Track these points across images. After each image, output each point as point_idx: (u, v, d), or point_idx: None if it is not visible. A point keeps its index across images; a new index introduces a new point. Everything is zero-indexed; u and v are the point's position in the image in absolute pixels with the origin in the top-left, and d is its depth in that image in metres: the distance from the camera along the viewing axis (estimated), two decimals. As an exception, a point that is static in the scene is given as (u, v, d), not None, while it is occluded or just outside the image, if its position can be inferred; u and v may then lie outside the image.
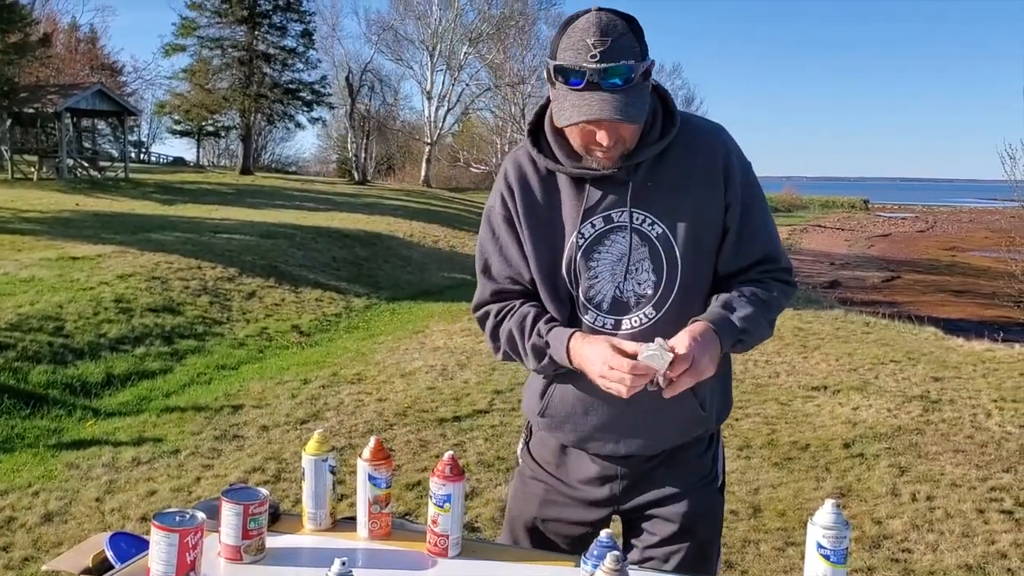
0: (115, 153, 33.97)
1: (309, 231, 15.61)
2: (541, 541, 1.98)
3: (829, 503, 1.58)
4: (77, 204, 17.87)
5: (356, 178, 38.84)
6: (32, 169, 25.68)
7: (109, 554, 2.22)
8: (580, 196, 1.77)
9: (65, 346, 7.36)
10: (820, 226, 51.97)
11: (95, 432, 5.70)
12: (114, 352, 7.58)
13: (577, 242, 1.78)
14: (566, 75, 1.60)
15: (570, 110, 1.62)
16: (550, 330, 1.80)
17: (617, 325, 1.80)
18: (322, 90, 41.31)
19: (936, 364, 8.08)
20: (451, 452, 1.87)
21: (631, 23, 1.59)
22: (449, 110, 45.19)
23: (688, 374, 1.62)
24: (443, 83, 44.17)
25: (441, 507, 1.82)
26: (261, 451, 5.24)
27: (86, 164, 27.40)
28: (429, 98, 43.71)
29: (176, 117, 45.18)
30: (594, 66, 1.56)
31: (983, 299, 22.33)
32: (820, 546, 1.56)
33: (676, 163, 1.74)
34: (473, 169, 52.59)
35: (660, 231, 1.74)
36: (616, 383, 1.63)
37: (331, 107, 44.07)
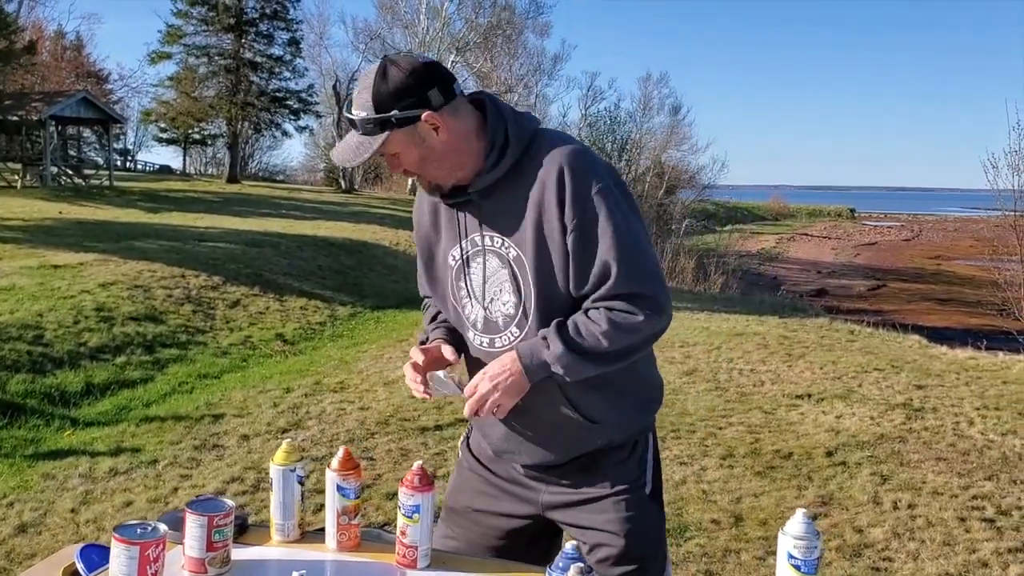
0: (100, 161, 33.81)
1: (295, 240, 15.55)
2: (473, 530, 2.04)
3: (800, 513, 1.56)
4: (60, 212, 17.76)
5: (343, 187, 38.80)
6: (16, 177, 25.56)
7: (80, 566, 2.18)
8: (452, 221, 1.90)
9: (44, 355, 7.29)
10: (807, 235, 52.23)
11: (72, 442, 5.64)
12: (94, 361, 7.51)
13: (451, 264, 1.93)
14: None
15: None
16: (433, 330, 2.03)
17: (491, 344, 1.90)
18: (309, 99, 41.26)
19: (919, 372, 8.09)
20: (420, 462, 1.84)
21: (387, 77, 1.72)
22: (436, 119, 45.14)
23: (478, 407, 1.78)
24: (430, 92, 44.14)
25: (410, 518, 1.79)
26: (241, 461, 5.20)
27: (70, 172, 27.29)
28: (416, 107, 43.67)
29: (162, 125, 45.02)
30: (345, 114, 1.80)
31: (968, 307, 22.45)
32: (791, 556, 1.54)
33: (522, 187, 1.79)
34: (460, 178, 52.62)
35: (515, 254, 1.81)
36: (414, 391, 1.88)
37: (318, 116, 43.99)
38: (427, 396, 1.87)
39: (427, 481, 1.80)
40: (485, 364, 1.85)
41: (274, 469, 1.93)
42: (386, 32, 42.94)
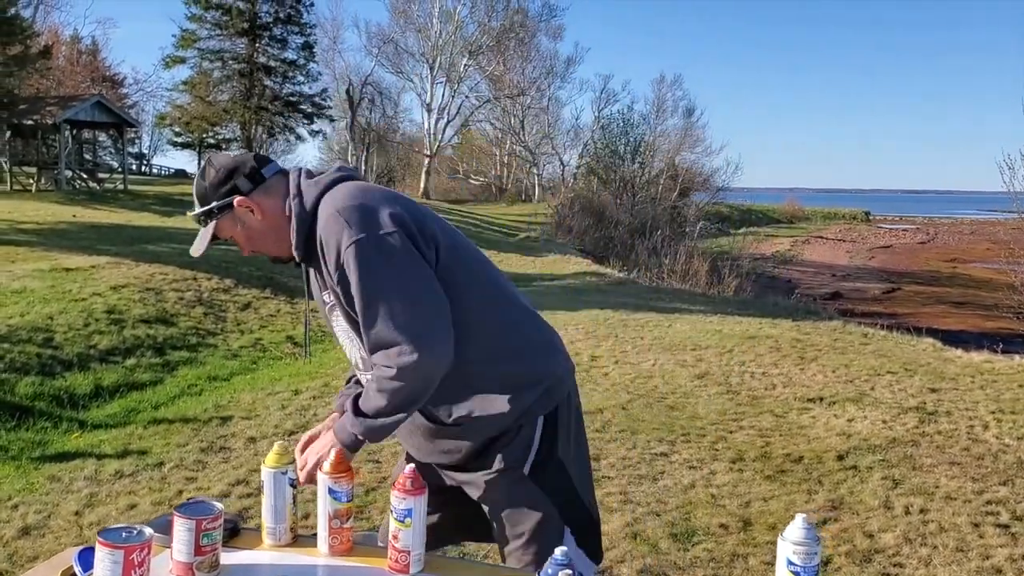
0: (115, 165, 33.99)
1: (306, 242, 15.55)
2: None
3: (800, 518, 1.51)
4: (74, 215, 17.85)
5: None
6: (31, 181, 25.71)
7: (77, 569, 2.17)
8: (312, 284, 2.13)
9: (54, 357, 7.31)
10: (822, 237, 51.96)
11: (80, 444, 5.64)
12: (104, 363, 7.52)
13: (326, 315, 2.13)
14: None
15: None
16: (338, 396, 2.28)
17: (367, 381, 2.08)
18: (323, 102, 41.41)
19: (933, 376, 8.00)
20: (412, 465, 1.80)
21: (204, 174, 2.04)
22: (449, 122, 45.36)
23: (307, 480, 2.00)
24: (443, 95, 44.34)
25: (402, 522, 1.76)
26: (247, 463, 5.17)
27: (85, 176, 27.44)
28: (429, 110, 43.83)
29: (177, 129, 45.22)
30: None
31: (984, 311, 22.25)
32: (790, 563, 1.50)
33: (321, 253, 1.97)
34: (472, 181, 52.68)
35: (340, 307, 2.01)
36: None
37: (332, 120, 44.17)
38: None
39: (419, 484, 1.77)
40: None
41: (265, 472, 1.90)
42: (399, 36, 43.10)
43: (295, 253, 2.01)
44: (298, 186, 2.01)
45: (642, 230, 31.38)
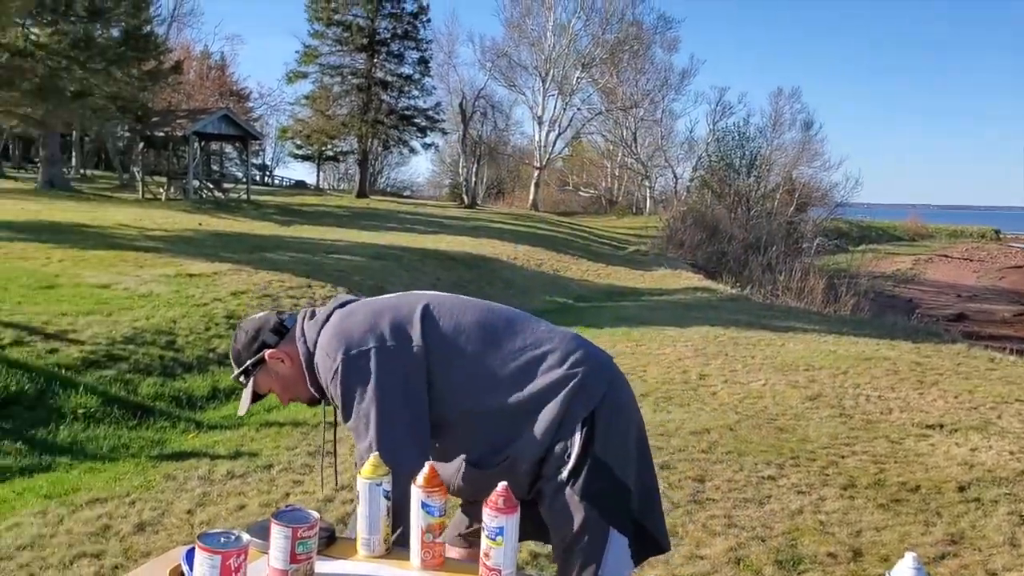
0: (240, 175, 35.37)
1: (417, 253, 15.84)
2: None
3: (910, 557, 1.43)
4: (200, 224, 18.62)
5: (466, 202, 39.34)
6: (161, 190, 27.01)
7: (184, 567, 2.23)
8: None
9: (175, 359, 7.62)
10: (946, 256, 49.80)
11: (195, 444, 5.86)
12: (221, 367, 7.80)
13: None
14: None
15: None
16: None
17: None
18: (436, 116, 42.13)
19: (1067, 405, 7.53)
20: (504, 483, 1.79)
21: (236, 339, 2.25)
22: (560, 134, 45.40)
23: None
24: (554, 108, 44.45)
25: (494, 540, 1.74)
26: (351, 469, 5.25)
27: (211, 185, 28.64)
28: (540, 123, 44.01)
29: (298, 142, 46.80)
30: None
31: (1126, 337, 20.87)
32: (898, 604, 1.41)
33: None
34: (582, 193, 52.60)
35: None
36: None
37: (444, 133, 44.90)
38: None
39: (512, 503, 1.75)
40: None
41: (360, 482, 1.91)
42: (513, 50, 43.47)
43: (313, 392, 2.20)
44: (302, 329, 2.19)
45: (756, 245, 30.73)
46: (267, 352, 2.19)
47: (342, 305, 2.22)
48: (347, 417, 2.11)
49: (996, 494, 5.12)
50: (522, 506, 2.16)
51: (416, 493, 1.84)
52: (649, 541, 2.13)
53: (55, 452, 5.59)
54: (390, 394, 2.06)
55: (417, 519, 1.84)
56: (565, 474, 2.06)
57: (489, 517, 1.73)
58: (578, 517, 2.04)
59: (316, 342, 2.15)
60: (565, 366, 2.11)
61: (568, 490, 2.05)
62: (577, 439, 2.07)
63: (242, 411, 2.30)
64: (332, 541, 1.98)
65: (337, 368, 2.07)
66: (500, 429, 2.09)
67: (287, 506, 2.01)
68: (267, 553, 1.77)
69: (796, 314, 15.69)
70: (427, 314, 2.14)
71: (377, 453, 1.94)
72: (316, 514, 1.80)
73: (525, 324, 2.21)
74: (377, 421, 2.06)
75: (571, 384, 2.09)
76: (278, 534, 1.74)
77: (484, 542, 1.75)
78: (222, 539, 1.63)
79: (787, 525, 4.53)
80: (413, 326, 2.11)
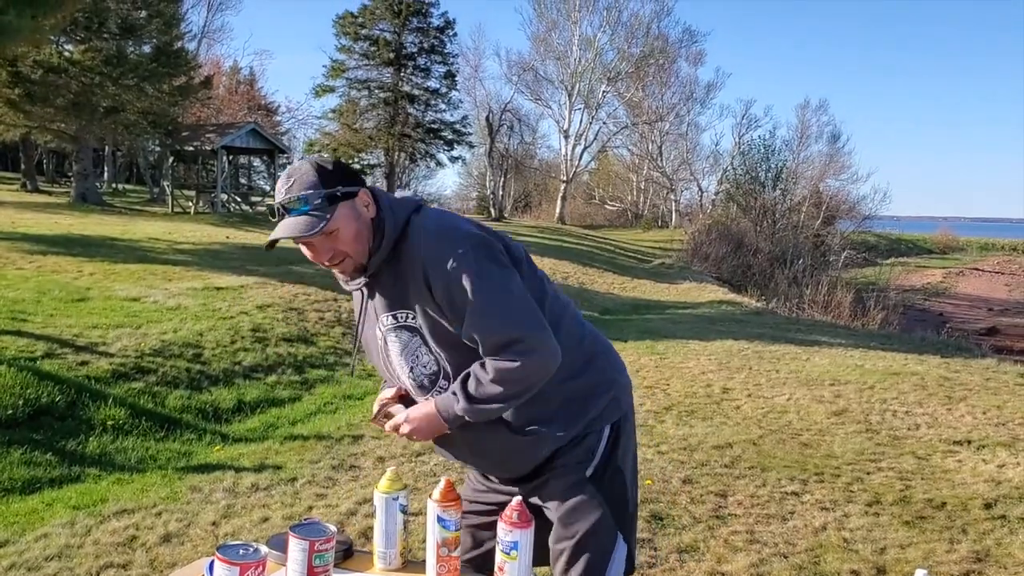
0: (267, 188, 35.68)
1: (442, 266, 15.89)
2: (475, 521, 2.30)
3: (920, 573, 1.43)
4: (228, 237, 18.81)
5: (493, 215, 39.45)
6: (190, 203, 27.33)
7: (206, 579, 2.28)
8: (365, 305, 2.18)
9: (202, 372, 7.71)
10: (978, 269, 49.20)
11: (221, 457, 5.91)
12: (247, 380, 7.87)
13: (377, 343, 2.18)
14: (275, 212, 2.04)
15: (274, 231, 2.04)
16: None
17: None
18: (463, 129, 42.33)
19: (1098, 421, 7.42)
20: (519, 498, 1.81)
21: (322, 165, 2.01)
22: (586, 148, 45.48)
23: (392, 430, 2.16)
24: (580, 121, 44.52)
25: (508, 554, 1.77)
26: (374, 483, 5.29)
27: (239, 199, 28.91)
28: (566, 136, 44.08)
29: (325, 155, 47.08)
30: (279, 200, 2.01)
31: None
32: (908, 623, 1.41)
33: (402, 269, 2.04)
34: (608, 206, 52.57)
35: (420, 322, 2.05)
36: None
37: (471, 146, 45.06)
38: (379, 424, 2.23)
39: (526, 517, 1.78)
40: None
41: (377, 496, 1.94)
42: (539, 64, 43.60)
43: (371, 264, 2.04)
44: (389, 200, 2.07)
45: (782, 259, 30.56)
46: (363, 189, 2.04)
47: (424, 202, 2.15)
48: (479, 297, 1.95)
49: (1023, 511, 5.06)
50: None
51: (432, 508, 1.87)
52: (631, 557, 2.21)
53: (84, 463, 5.67)
54: (523, 287, 2.04)
55: (433, 533, 1.87)
56: (589, 471, 2.12)
57: (504, 531, 1.76)
58: (594, 516, 2.09)
59: (407, 222, 2.04)
60: (609, 371, 2.21)
61: (590, 487, 2.11)
62: (604, 441, 2.15)
63: (308, 232, 1.96)
64: (349, 555, 2.01)
65: (467, 252, 1.96)
66: (543, 405, 2.09)
67: (305, 519, 2.04)
68: (285, 566, 1.81)
69: (822, 328, 15.57)
70: (530, 257, 2.19)
71: (525, 333, 1.95)
72: (333, 527, 1.83)
73: (581, 319, 2.28)
74: (523, 303, 2.00)
75: (612, 390, 2.19)
76: (296, 547, 1.77)
77: (499, 556, 1.77)
78: (241, 551, 1.67)
79: (810, 542, 4.50)
80: (523, 255, 2.14)
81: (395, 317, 2.07)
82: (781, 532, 4.64)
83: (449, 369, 2.06)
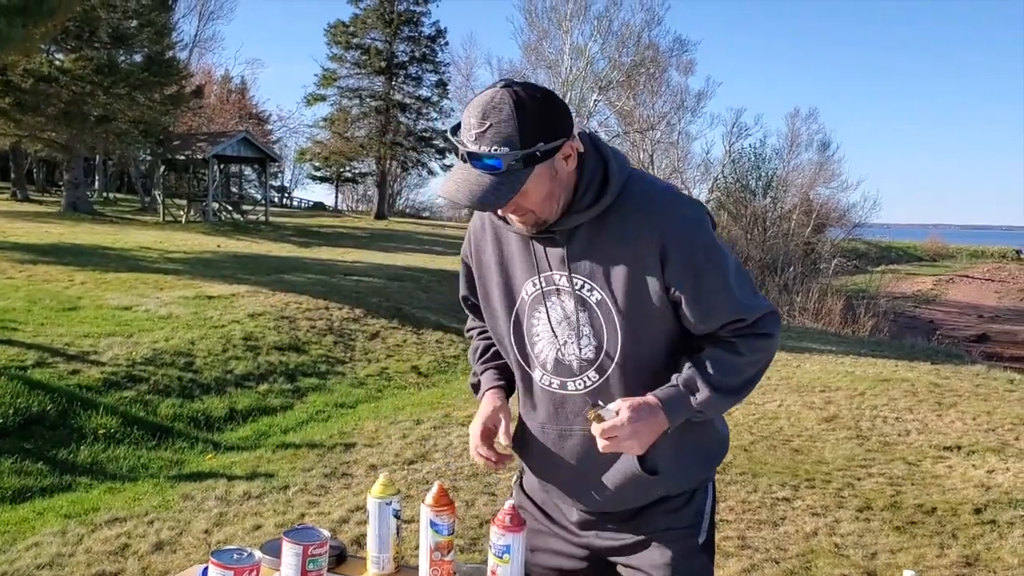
0: (258, 197, 35.67)
1: (435, 274, 15.91)
2: (531, 569, 1.96)
3: (908, 574, 1.45)
4: (219, 246, 18.79)
5: (485, 223, 39.44)
6: (181, 212, 27.28)
7: (199, 586, 2.29)
8: (526, 254, 1.80)
9: (193, 381, 7.70)
10: (967, 276, 49.42)
11: (213, 465, 5.91)
12: (239, 388, 7.87)
13: (522, 298, 1.83)
14: (454, 147, 1.66)
15: (445, 182, 1.68)
16: (484, 371, 2.00)
17: (563, 386, 1.83)
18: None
19: (1087, 427, 7.47)
20: (511, 501, 1.82)
21: (525, 106, 1.56)
22: (578, 157, 45.44)
23: (611, 446, 1.66)
24: (572, 130, 44.51)
25: (500, 558, 1.77)
26: (367, 490, 5.29)
27: (230, 207, 28.89)
28: (558, 145, 44.08)
29: (316, 163, 47.10)
30: (466, 147, 1.60)
31: None
32: (895, 623, 1.43)
33: (614, 232, 1.70)
34: (601, 215, 52.58)
35: (599, 297, 1.72)
36: (477, 458, 1.88)
37: (462, 154, 45.05)
38: (499, 467, 1.88)
39: (518, 521, 1.79)
40: (549, 403, 1.84)
41: (371, 502, 1.95)
42: (530, 73, 43.62)
43: (568, 222, 1.69)
44: (608, 148, 1.74)
45: (773, 266, 30.65)
46: (568, 143, 1.62)
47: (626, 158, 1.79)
48: (725, 270, 1.69)
49: (1012, 516, 5.10)
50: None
51: (425, 512, 1.88)
52: None
53: (76, 472, 5.66)
54: None
55: (426, 537, 1.88)
56: (702, 537, 1.87)
57: (496, 535, 1.77)
58: None
59: (626, 180, 1.71)
60: (724, 424, 1.97)
61: (702, 558, 1.87)
62: (709, 499, 1.91)
63: (496, 203, 1.60)
64: (343, 560, 2.02)
65: (707, 226, 1.71)
66: (685, 429, 1.77)
67: (299, 524, 2.05)
68: (279, 571, 1.82)
69: (812, 335, 15.62)
70: None
71: (770, 308, 1.74)
72: (327, 532, 1.84)
73: None
74: (752, 279, 1.77)
75: (726, 443, 1.96)
76: (289, 551, 1.78)
77: (491, 560, 1.78)
78: (235, 556, 1.67)
79: (801, 547, 4.53)
80: None
81: (570, 281, 1.73)
82: (772, 537, 4.66)
83: (615, 360, 1.74)
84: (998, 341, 24.78)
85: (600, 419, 1.64)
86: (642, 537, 1.85)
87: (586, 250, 1.72)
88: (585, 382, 1.79)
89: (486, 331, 2.02)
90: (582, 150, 1.67)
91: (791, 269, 28.04)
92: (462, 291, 2.09)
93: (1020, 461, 6.27)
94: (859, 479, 5.81)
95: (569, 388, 1.81)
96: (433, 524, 1.87)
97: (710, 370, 1.69)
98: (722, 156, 46.59)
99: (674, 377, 1.72)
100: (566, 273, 1.74)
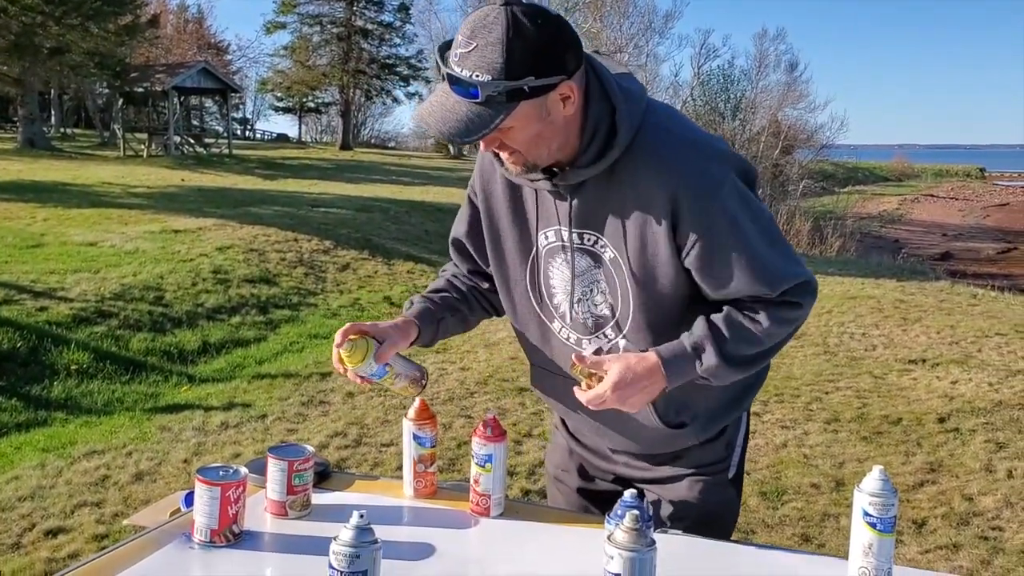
0: (220, 130, 35.04)
1: (404, 205, 15.82)
2: (567, 491, 1.99)
3: (877, 470, 1.50)
4: (182, 179, 18.51)
5: (452, 152, 39.16)
6: (142, 146, 26.76)
7: (181, 506, 2.32)
8: (535, 205, 1.69)
9: (164, 315, 7.66)
10: (932, 196, 49.96)
11: (188, 397, 5.92)
12: (210, 321, 7.84)
13: (540, 247, 1.72)
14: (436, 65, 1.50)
15: (422, 104, 1.53)
16: (419, 300, 1.95)
17: (579, 343, 1.75)
18: (419, 64, 41.78)
19: (1047, 337, 7.67)
20: (493, 413, 1.85)
21: (521, 31, 1.38)
22: (545, 81, 44.98)
23: (595, 405, 1.57)
24: (539, 54, 43.98)
25: (483, 467, 1.81)
26: (344, 416, 5.36)
27: (192, 141, 28.39)
28: (525, 70, 43.59)
29: (278, 94, 46.33)
30: (446, 68, 1.44)
31: (1108, 271, 21.10)
32: (866, 514, 1.48)
33: (625, 186, 1.56)
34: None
35: (612, 255, 1.62)
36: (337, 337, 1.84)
37: (428, 81, 44.41)
38: (344, 373, 1.83)
39: (499, 431, 1.82)
40: (564, 356, 1.73)
41: (405, 425, 1.96)
42: (493, -6, 42.86)
43: (569, 176, 1.57)
44: (618, 89, 1.53)
45: (741, 189, 30.72)
46: (566, 83, 1.44)
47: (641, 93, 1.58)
48: (755, 229, 1.54)
49: (974, 424, 5.26)
50: None
51: (407, 426, 1.90)
52: None
53: (50, 407, 5.65)
54: None
55: (409, 450, 1.91)
56: (732, 472, 1.82)
57: (478, 445, 1.80)
58: (728, 524, 1.87)
59: (640, 124, 1.53)
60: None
61: (730, 491, 1.83)
62: (742, 432, 1.85)
63: (467, 137, 1.44)
64: (326, 476, 2.05)
65: (733, 180, 1.55)
66: (702, 389, 1.67)
67: (282, 442, 2.07)
68: (264, 487, 1.84)
69: (782, 256, 15.78)
70: None
71: (805, 274, 1.59)
72: (311, 448, 1.86)
73: None
74: (784, 246, 1.62)
75: (764, 372, 1.83)
76: (274, 467, 1.80)
77: (474, 469, 1.82)
78: (221, 472, 1.69)
79: (771, 459, 4.65)
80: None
81: (581, 237, 1.63)
82: (744, 450, 4.77)
83: (629, 319, 1.65)
84: (961, 259, 25.18)
85: (589, 376, 1.57)
86: (671, 473, 1.81)
87: (597, 205, 1.60)
88: (602, 340, 1.72)
89: (457, 277, 1.95)
90: (578, 94, 1.48)
91: (760, 192, 28.18)
92: (457, 231, 1.89)
93: (982, 372, 6.44)
94: (827, 393, 5.95)
95: (584, 345, 1.74)
96: (416, 437, 1.90)
97: (725, 334, 1.57)
98: (691, 79, 46.30)
99: (684, 335, 1.59)
100: (570, 227, 1.63)
